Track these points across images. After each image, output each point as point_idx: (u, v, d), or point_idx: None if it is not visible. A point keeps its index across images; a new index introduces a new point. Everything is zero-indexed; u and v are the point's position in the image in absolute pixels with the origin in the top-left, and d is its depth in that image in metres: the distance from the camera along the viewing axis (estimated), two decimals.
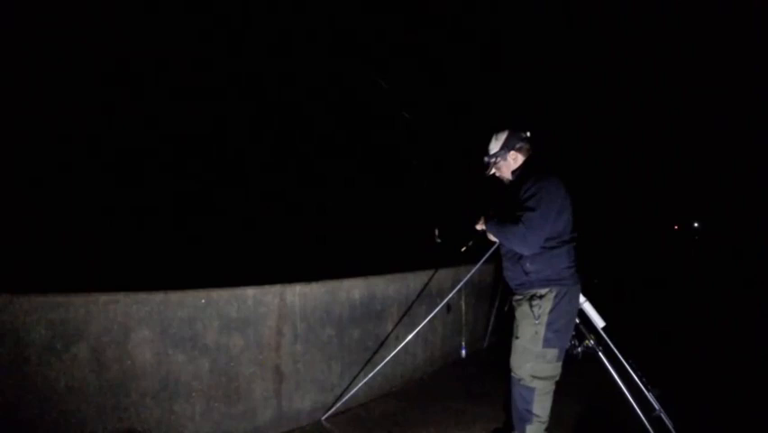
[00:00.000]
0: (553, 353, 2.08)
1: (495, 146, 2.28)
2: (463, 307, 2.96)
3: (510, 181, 2.28)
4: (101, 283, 2.10)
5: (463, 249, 2.62)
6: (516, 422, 2.19)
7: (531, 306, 2.10)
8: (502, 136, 2.27)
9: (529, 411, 2.10)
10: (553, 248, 2.09)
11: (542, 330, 2.07)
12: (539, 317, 2.07)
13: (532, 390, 2.09)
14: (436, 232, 2.85)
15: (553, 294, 2.08)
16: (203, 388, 2.25)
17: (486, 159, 2.31)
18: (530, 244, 2.05)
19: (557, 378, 2.13)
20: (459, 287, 2.80)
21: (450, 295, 2.87)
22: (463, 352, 3.45)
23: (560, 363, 2.12)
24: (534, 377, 2.09)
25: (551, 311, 2.07)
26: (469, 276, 2.73)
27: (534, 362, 2.09)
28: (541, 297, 2.09)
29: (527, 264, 2.11)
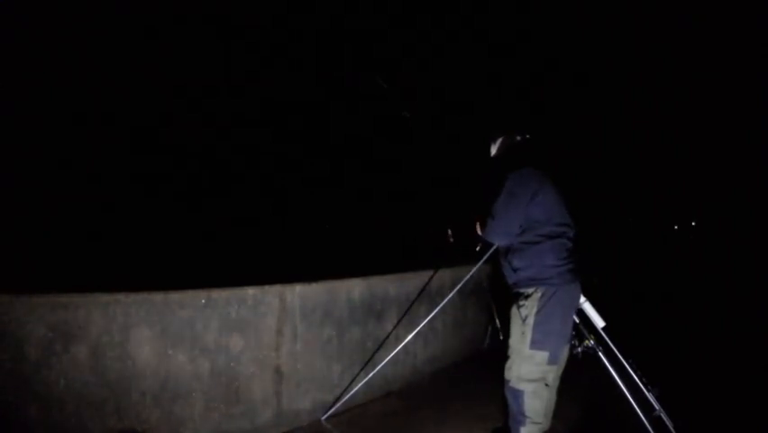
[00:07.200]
0: (542, 355, 2.01)
1: (492, 150, 2.31)
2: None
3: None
4: (101, 283, 2.10)
5: (477, 248, 2.60)
6: (510, 423, 2.16)
7: (518, 306, 2.06)
8: (498, 140, 2.29)
9: (521, 413, 2.05)
10: (535, 243, 2.04)
11: (528, 332, 2.01)
12: (525, 318, 2.02)
13: (520, 392, 2.04)
14: (449, 232, 2.84)
15: (539, 294, 2.02)
16: (203, 388, 2.25)
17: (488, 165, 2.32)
18: (498, 232, 2.06)
19: (548, 381, 2.07)
20: (459, 287, 2.80)
21: (450, 295, 2.87)
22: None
23: (552, 366, 2.04)
24: (521, 379, 2.03)
25: (537, 312, 2.00)
26: (469, 276, 2.73)
27: (522, 364, 2.03)
28: (527, 297, 2.05)
29: (514, 261, 2.09)
